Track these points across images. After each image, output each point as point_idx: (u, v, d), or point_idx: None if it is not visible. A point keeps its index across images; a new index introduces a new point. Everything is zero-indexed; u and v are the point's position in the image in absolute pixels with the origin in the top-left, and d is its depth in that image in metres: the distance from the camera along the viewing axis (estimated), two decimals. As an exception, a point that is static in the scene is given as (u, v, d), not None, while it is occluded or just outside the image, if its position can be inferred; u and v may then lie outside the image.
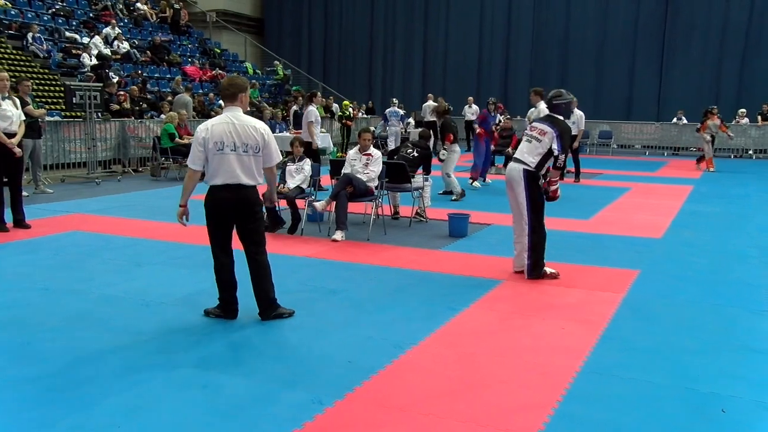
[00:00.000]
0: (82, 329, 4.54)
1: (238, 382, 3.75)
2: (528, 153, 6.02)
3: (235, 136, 4.57)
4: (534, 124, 6.23)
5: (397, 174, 8.39)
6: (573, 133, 13.07)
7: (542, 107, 11.43)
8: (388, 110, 20.28)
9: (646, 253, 7.25)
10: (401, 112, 20.18)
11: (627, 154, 21.79)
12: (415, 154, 9.11)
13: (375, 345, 4.36)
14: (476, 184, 12.58)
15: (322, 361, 4.06)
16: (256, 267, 4.82)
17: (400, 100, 27.10)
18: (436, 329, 4.68)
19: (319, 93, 14.86)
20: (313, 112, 12.77)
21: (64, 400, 3.48)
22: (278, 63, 24.02)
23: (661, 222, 9.09)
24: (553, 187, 6.13)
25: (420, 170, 9.11)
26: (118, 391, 3.59)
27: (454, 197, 10.69)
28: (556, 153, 5.93)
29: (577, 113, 13.31)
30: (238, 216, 4.70)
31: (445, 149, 10.76)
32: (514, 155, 6.18)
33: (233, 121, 4.60)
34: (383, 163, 8.15)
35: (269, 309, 4.86)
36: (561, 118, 6.15)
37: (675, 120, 22.36)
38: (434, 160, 9.91)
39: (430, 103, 20.17)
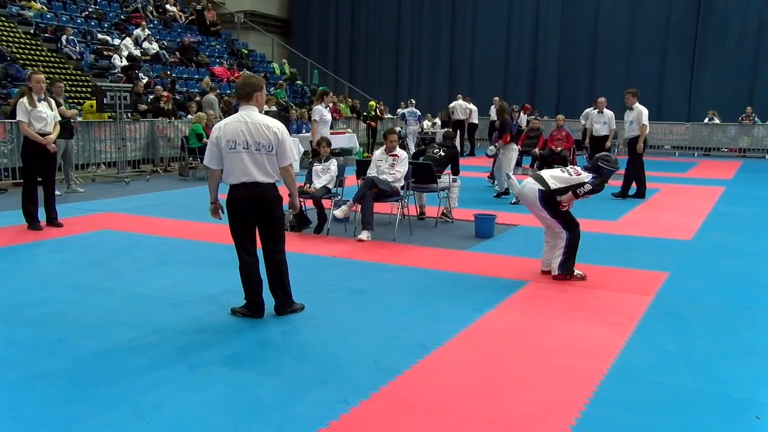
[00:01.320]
0: (112, 326, 4.60)
1: (264, 380, 3.77)
2: (555, 179, 5.95)
3: (247, 135, 4.58)
4: (577, 168, 6.16)
5: (423, 174, 8.38)
6: (604, 133, 12.97)
7: (639, 108, 11.33)
8: (405, 110, 20.29)
9: (676, 254, 7.14)
10: (418, 112, 20.22)
11: (656, 154, 21.48)
12: (442, 154, 9.08)
13: (401, 345, 4.35)
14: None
15: (348, 361, 4.07)
16: (273, 265, 4.85)
17: (427, 99, 27.08)
18: (462, 330, 4.66)
19: (330, 92, 14.86)
20: (318, 110, 12.77)
21: (94, 395, 3.53)
22: (285, 61, 24.09)
23: (691, 223, 8.95)
24: (564, 207, 6.00)
25: (447, 170, 9.07)
26: (146, 388, 3.63)
27: (513, 200, 10.49)
28: (585, 190, 5.86)
29: (608, 113, 13.15)
30: (256, 214, 4.72)
31: (494, 146, 10.84)
32: (538, 172, 6.09)
33: (246, 119, 4.62)
34: (409, 163, 8.14)
35: (287, 305, 4.91)
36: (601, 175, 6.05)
37: (706, 120, 22.00)
38: (478, 160, 9.88)
39: (461, 102, 20.09)
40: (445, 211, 8.95)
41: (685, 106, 23.94)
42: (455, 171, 9.14)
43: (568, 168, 6.19)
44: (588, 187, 5.90)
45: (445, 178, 8.93)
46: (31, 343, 4.28)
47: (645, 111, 11.39)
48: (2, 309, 4.94)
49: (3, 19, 16.27)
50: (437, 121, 22.44)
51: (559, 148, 14.80)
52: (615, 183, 12.56)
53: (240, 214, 4.72)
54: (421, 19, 28.46)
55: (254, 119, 4.64)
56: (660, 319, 4.99)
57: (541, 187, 5.91)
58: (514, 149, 10.81)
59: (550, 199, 5.91)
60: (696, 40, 23.54)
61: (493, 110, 18.95)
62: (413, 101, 21.63)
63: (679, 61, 23.85)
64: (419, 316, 4.96)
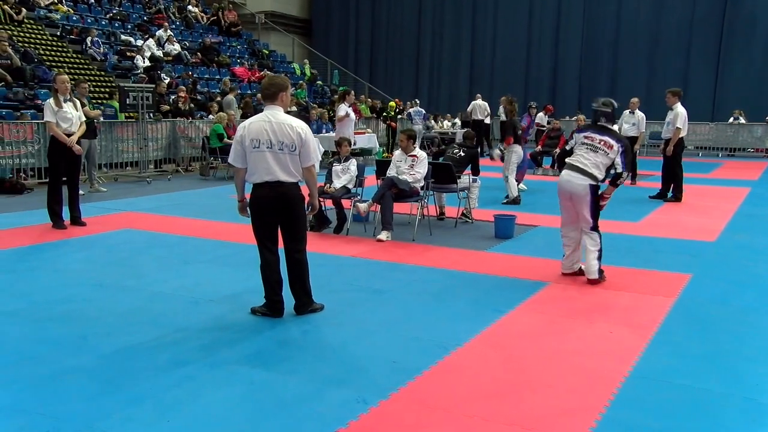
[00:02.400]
0: (134, 325, 4.65)
1: (283, 379, 3.79)
2: (594, 166, 5.79)
3: (271, 134, 4.61)
4: (593, 134, 5.91)
5: (443, 174, 8.37)
6: (633, 134, 12.87)
7: (678, 110, 11.21)
8: (411, 110, 20.30)
9: (699, 256, 7.06)
10: (423, 111, 20.24)
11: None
12: (462, 154, 9.06)
13: (420, 345, 4.34)
14: (522, 186, 12.48)
15: (367, 361, 4.07)
16: (294, 264, 4.88)
17: (447, 99, 27.04)
18: (481, 331, 4.65)
19: (351, 92, 14.96)
20: (343, 109, 12.94)
21: (117, 392, 3.57)
22: (306, 61, 24.19)
23: (715, 225, 8.83)
24: (603, 203, 5.96)
25: (467, 170, 9.05)
26: (167, 386, 3.66)
27: (504, 200, 10.51)
28: (620, 170, 5.79)
29: (639, 114, 13.05)
30: (278, 213, 4.74)
31: (500, 149, 10.78)
32: (573, 164, 5.88)
33: (270, 119, 4.65)
34: (429, 163, 8.13)
35: (306, 305, 4.94)
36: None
37: (731, 120, 21.69)
38: (484, 161, 9.86)
39: (480, 102, 20.01)
40: (464, 212, 8.93)
41: (709, 105, 23.61)
42: (475, 171, 9.10)
43: (589, 144, 5.89)
44: (625, 174, 5.86)
45: (465, 179, 8.90)
46: (56, 340, 4.33)
47: (683, 113, 11.16)
48: (28, 306, 5.01)
49: (31, 21, 16.53)
50: (457, 121, 22.40)
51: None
52: (653, 185, 12.46)
53: (262, 213, 4.74)
54: (441, 19, 28.40)
55: (278, 119, 4.66)
56: (683, 322, 4.93)
57: (592, 182, 5.77)
58: (517, 152, 10.69)
59: (597, 191, 5.81)
60: (722, 38, 23.19)
61: (501, 110, 18.99)
62: (418, 101, 21.65)
63: (703, 60, 23.53)
64: (438, 317, 4.95)
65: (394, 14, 29.42)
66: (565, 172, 5.94)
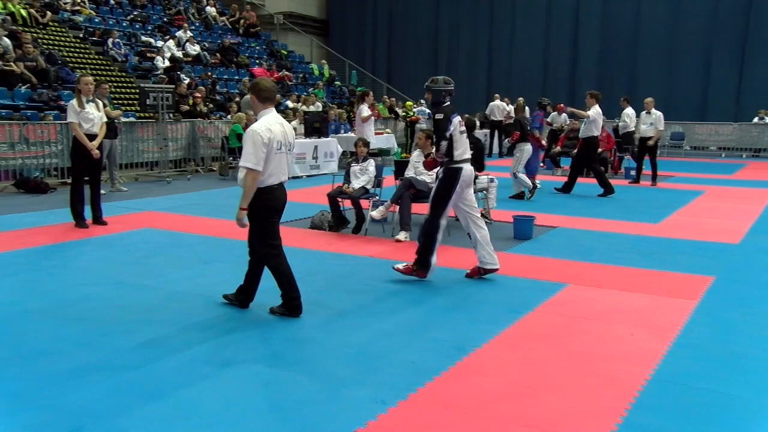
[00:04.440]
0: (152, 323, 4.68)
1: (301, 379, 3.80)
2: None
3: (285, 136, 4.77)
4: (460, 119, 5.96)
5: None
6: (650, 134, 12.75)
7: (596, 110, 11.39)
8: (416, 109, 20.28)
9: (722, 259, 6.97)
10: (427, 111, 20.19)
11: (701, 156, 21.03)
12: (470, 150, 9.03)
13: (438, 347, 4.33)
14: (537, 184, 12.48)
15: (385, 361, 4.07)
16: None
17: (465, 100, 26.90)
18: (499, 332, 4.62)
19: (370, 92, 15.03)
20: (365, 109, 13.04)
21: (134, 390, 3.60)
22: (324, 62, 24.25)
23: (739, 227, 8.72)
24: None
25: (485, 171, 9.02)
26: (185, 384, 3.68)
27: (528, 196, 10.55)
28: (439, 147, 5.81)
29: (655, 113, 12.91)
30: (281, 212, 4.89)
31: (507, 141, 10.78)
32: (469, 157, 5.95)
33: (281, 121, 4.80)
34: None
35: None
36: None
37: (756, 120, 21.40)
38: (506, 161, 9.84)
39: (498, 102, 19.95)
40: (483, 212, 8.89)
41: (733, 106, 23.31)
42: (480, 167, 9.04)
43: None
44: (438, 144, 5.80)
45: (483, 179, 8.87)
46: (77, 337, 4.38)
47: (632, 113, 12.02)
48: (50, 304, 5.07)
49: (55, 24, 16.75)
50: (476, 120, 22.31)
51: (600, 150, 14.57)
52: (675, 186, 12.34)
53: (276, 215, 4.82)
54: (459, 19, 28.33)
55: (284, 121, 4.85)
56: (705, 325, 4.87)
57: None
58: (526, 149, 10.63)
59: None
60: (746, 37, 22.85)
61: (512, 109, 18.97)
62: (423, 101, 21.56)
63: (726, 60, 23.21)
64: (457, 318, 4.94)
65: (412, 14, 29.39)
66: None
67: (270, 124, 4.71)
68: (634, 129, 15.97)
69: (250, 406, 3.44)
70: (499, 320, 4.86)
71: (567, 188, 11.74)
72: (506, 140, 11.07)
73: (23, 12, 15.78)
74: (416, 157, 8.16)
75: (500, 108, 19.68)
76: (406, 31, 29.62)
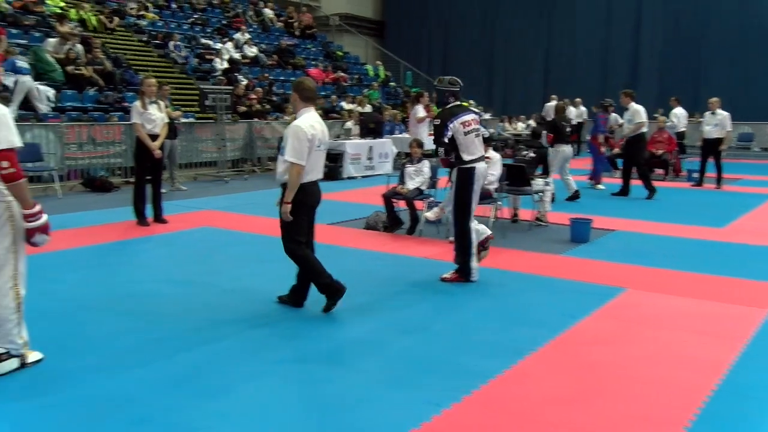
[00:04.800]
0: (209, 320, 4.78)
1: (355, 378, 3.82)
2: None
3: (323, 135, 4.94)
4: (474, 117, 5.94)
5: (516, 177, 8.25)
6: (715, 135, 12.34)
7: (634, 107, 11.09)
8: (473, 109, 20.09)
9: (791, 265, 6.69)
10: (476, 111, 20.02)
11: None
12: (532, 155, 8.92)
13: (492, 349, 4.29)
14: (600, 186, 12.25)
15: (439, 363, 4.05)
16: (313, 254, 5.08)
17: (521, 100, 26.60)
18: (555, 336, 4.55)
19: (425, 93, 15.01)
20: (420, 110, 13.03)
21: (193, 385, 3.68)
22: (380, 63, 24.29)
23: (809, 232, 8.35)
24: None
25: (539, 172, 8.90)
26: (239, 381, 3.75)
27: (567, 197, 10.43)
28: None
29: (721, 114, 12.48)
30: (315, 208, 5.05)
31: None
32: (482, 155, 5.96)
33: (319, 120, 4.97)
34: (503, 165, 8.03)
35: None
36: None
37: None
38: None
39: (554, 103, 19.61)
40: (538, 215, 8.77)
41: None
42: (545, 172, 8.94)
43: (475, 129, 5.94)
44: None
45: (540, 181, 8.75)
46: (138, 332, 4.50)
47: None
48: (114, 300, 5.23)
49: (122, 29, 17.33)
50: (531, 122, 22.03)
51: (660, 151, 14.22)
52: (741, 189, 11.92)
53: (309, 211, 4.98)
54: (516, 17, 28.01)
55: (321, 120, 5.00)
56: (773, 333, 4.68)
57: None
58: (561, 151, 10.39)
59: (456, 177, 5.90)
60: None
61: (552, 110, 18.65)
62: (472, 101, 21.35)
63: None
64: (512, 321, 4.88)
65: (468, 14, 29.20)
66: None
67: (312, 122, 4.86)
68: (684, 129, 15.53)
69: (303, 404, 3.48)
70: (554, 324, 4.78)
71: (624, 191, 11.46)
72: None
73: (93, 19, 16.38)
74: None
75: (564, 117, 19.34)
76: (462, 31, 29.44)
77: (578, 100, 20.27)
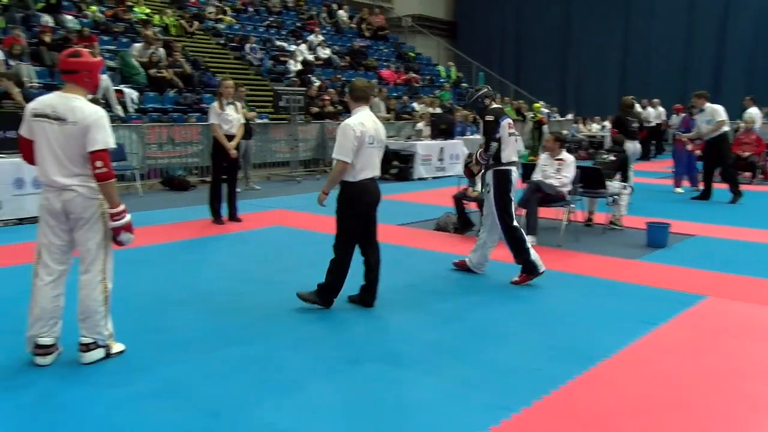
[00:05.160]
0: (282, 318, 4.88)
1: (424, 380, 3.81)
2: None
3: (377, 133, 4.98)
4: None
5: (592, 179, 8.06)
6: None
7: (712, 107, 10.63)
8: (544, 110, 19.69)
9: None
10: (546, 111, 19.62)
11: None
12: (612, 159, 8.69)
13: (564, 354, 4.21)
14: (678, 190, 11.82)
15: (509, 367, 4.00)
16: (378, 258, 5.14)
17: (594, 101, 25.94)
18: (630, 343, 4.42)
19: (496, 95, 14.82)
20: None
21: (268, 382, 3.76)
22: (452, 64, 24.14)
23: None
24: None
25: (618, 176, 8.66)
26: (312, 379, 3.80)
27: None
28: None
29: None
30: (375, 206, 5.08)
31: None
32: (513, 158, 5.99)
33: (374, 119, 5.03)
34: (577, 168, 7.86)
35: (375, 296, 5.18)
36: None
37: None
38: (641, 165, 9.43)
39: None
40: (613, 219, 8.54)
41: None
42: (625, 177, 8.69)
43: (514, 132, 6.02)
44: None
45: (616, 184, 8.53)
46: (215, 328, 4.63)
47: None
48: (191, 296, 5.40)
49: (201, 32, 17.92)
50: (606, 124, 21.46)
51: (747, 153, 13.62)
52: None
53: (368, 208, 5.02)
54: (591, 17, 27.35)
55: (376, 119, 5.07)
56: None
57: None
58: (628, 147, 10.00)
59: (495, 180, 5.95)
60: None
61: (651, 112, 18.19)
62: (541, 102, 20.97)
63: None
64: (584, 326, 4.77)
65: (541, 14, 28.72)
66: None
67: (362, 119, 4.92)
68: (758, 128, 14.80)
69: (373, 404, 3.50)
70: (629, 330, 4.64)
71: (705, 195, 11.02)
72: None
73: (175, 23, 17.02)
74: (544, 160, 7.97)
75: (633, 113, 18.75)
76: (535, 31, 28.99)
77: (656, 100, 19.61)
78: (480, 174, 6.44)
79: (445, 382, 3.78)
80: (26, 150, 3.88)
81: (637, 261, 6.83)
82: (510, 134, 5.92)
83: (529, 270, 5.85)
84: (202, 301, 5.23)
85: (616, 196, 8.46)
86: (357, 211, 4.99)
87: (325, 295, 5.09)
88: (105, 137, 3.74)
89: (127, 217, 3.92)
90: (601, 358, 4.13)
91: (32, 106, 3.83)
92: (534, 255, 5.86)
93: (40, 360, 3.86)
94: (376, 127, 4.98)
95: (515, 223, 5.89)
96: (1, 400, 3.45)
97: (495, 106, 6.05)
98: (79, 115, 3.71)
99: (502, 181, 5.87)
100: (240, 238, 7.73)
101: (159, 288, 5.57)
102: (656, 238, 7.50)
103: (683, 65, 25.21)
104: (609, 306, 5.27)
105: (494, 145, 5.83)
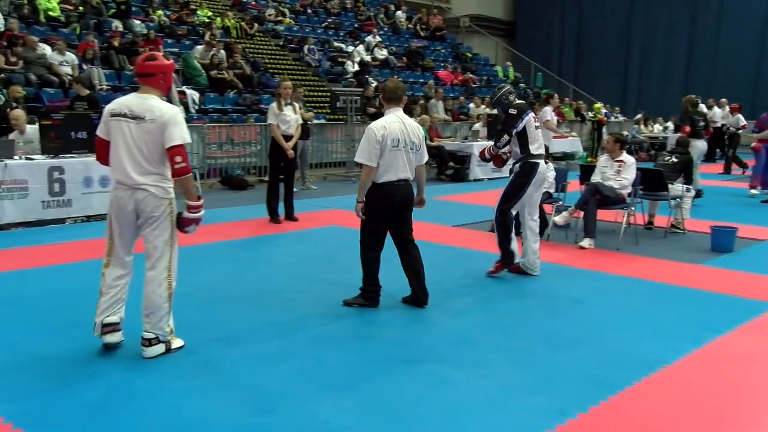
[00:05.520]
0: (339, 318, 4.92)
1: (479, 382, 3.79)
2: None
3: (405, 135, 4.91)
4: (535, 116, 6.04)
5: (653, 182, 7.86)
6: None
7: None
8: (604, 111, 19.20)
9: None
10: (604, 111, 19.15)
11: None
12: (674, 160, 8.45)
13: (623, 360, 4.11)
14: (753, 192, 11.42)
15: (566, 371, 3.94)
16: (414, 254, 5.13)
17: (657, 102, 25.26)
18: (693, 350, 4.29)
19: (555, 95, 14.58)
20: (547, 112, 12.67)
21: (326, 379, 3.80)
22: (509, 64, 23.84)
23: None
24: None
25: (681, 178, 8.40)
26: (368, 377, 3.83)
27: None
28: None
29: None
30: (402, 208, 5.01)
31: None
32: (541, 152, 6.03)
33: (403, 120, 4.97)
34: (638, 169, 7.67)
35: (426, 294, 5.13)
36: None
37: None
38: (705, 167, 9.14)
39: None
40: (674, 222, 8.30)
41: None
42: (688, 180, 8.42)
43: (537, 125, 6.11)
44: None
45: (678, 186, 8.28)
46: (274, 325, 4.70)
47: None
48: (249, 293, 5.49)
49: (260, 34, 18.24)
50: (669, 125, 20.85)
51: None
52: None
53: (392, 210, 4.97)
54: (655, 17, 26.62)
55: (407, 120, 5.02)
56: None
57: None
58: (694, 146, 9.61)
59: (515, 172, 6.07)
60: None
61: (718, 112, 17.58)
62: (603, 105, 20.46)
63: None
64: (644, 331, 4.65)
65: (603, 13, 28.11)
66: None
67: (388, 122, 4.91)
68: None
69: (428, 405, 3.50)
70: (692, 338, 4.51)
71: None
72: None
73: (235, 25, 17.38)
74: (604, 161, 7.81)
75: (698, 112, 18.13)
76: (597, 31, 28.39)
77: (723, 100, 18.93)
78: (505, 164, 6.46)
79: (500, 384, 3.75)
80: (101, 150, 4.06)
81: (700, 266, 6.62)
82: (537, 127, 6.00)
83: (506, 257, 5.95)
84: (258, 299, 5.32)
85: (678, 199, 8.23)
86: (380, 213, 4.97)
87: (366, 294, 5.13)
88: (182, 133, 3.89)
89: (202, 213, 4.08)
90: (662, 365, 4.02)
91: (110, 107, 4.00)
92: (514, 245, 5.95)
93: (108, 338, 4.01)
94: (404, 129, 4.92)
95: (513, 211, 5.98)
96: (73, 389, 3.59)
97: (519, 102, 6.07)
98: (156, 113, 3.86)
99: (525, 173, 5.94)
100: (296, 237, 7.83)
101: (218, 285, 5.68)
102: (722, 242, 7.26)
103: (755, 66, 24.25)
104: (671, 311, 5.12)
105: (505, 138, 5.92)
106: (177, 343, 4.19)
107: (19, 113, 8.62)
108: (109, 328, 3.99)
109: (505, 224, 5.94)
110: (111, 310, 4.00)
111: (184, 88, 13.22)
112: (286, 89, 8.62)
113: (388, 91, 5.08)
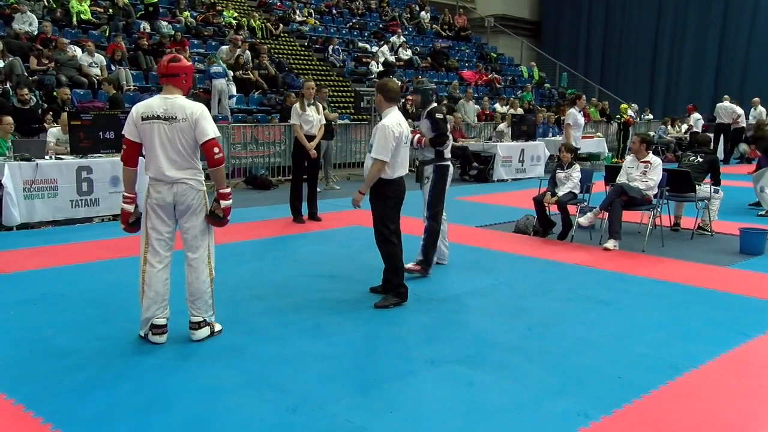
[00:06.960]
0: (362, 317, 4.93)
1: (503, 384, 3.77)
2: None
3: (407, 131, 5.26)
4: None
5: (680, 183, 7.75)
6: None
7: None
8: (630, 112, 18.98)
9: None
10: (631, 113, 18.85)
11: None
12: (699, 160, 8.32)
13: (648, 363, 4.07)
14: None
15: (590, 373, 3.91)
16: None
17: (686, 101, 24.89)
18: (721, 354, 4.23)
19: (583, 96, 14.42)
20: (572, 114, 12.54)
21: (347, 379, 3.82)
22: (534, 64, 23.69)
23: None
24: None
25: (707, 179, 8.27)
26: (391, 378, 3.83)
27: (762, 212, 9.52)
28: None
29: None
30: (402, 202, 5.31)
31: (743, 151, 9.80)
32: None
33: (402, 118, 5.26)
34: (665, 170, 7.58)
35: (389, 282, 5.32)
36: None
37: None
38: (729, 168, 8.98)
39: (726, 104, 18.12)
40: (702, 224, 8.18)
41: None
42: (716, 180, 8.27)
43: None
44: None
45: (705, 188, 8.16)
46: (296, 324, 4.72)
47: None
48: (273, 292, 5.53)
49: (285, 35, 18.36)
50: (693, 123, 20.54)
51: None
52: None
53: (401, 203, 5.31)
54: (685, 15, 26.26)
55: (403, 118, 5.27)
56: None
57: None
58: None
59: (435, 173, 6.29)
60: None
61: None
62: (633, 105, 20.22)
63: None
64: (670, 334, 4.60)
65: (630, 14, 27.82)
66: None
67: (399, 120, 5.16)
68: None
69: (452, 406, 3.49)
70: (721, 341, 4.44)
71: None
72: (744, 146, 9.96)
73: (261, 26, 17.52)
74: (629, 162, 7.72)
75: (728, 110, 17.82)
76: (623, 31, 28.11)
77: (756, 99, 18.63)
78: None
79: (523, 386, 3.73)
80: (130, 152, 4.19)
81: (728, 268, 6.52)
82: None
83: (426, 265, 6.09)
84: (283, 297, 5.35)
85: (706, 201, 8.11)
86: (396, 206, 5.27)
87: (398, 292, 5.20)
88: (213, 127, 4.13)
89: (231, 200, 4.27)
90: (688, 369, 3.97)
91: (139, 111, 4.13)
92: (435, 259, 6.17)
93: (156, 339, 4.22)
94: (406, 126, 5.25)
95: (442, 219, 6.27)
96: (103, 387, 3.65)
97: (436, 105, 6.31)
98: (187, 112, 4.07)
99: (442, 176, 6.23)
100: (320, 237, 7.86)
101: (243, 284, 5.73)
102: (751, 244, 7.15)
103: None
104: (698, 314, 5.05)
105: (449, 141, 6.31)
106: (218, 326, 4.44)
107: (65, 117, 8.88)
108: (159, 330, 4.22)
109: (435, 230, 6.15)
110: (157, 307, 4.19)
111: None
112: (309, 89, 8.66)
113: (392, 92, 5.28)
